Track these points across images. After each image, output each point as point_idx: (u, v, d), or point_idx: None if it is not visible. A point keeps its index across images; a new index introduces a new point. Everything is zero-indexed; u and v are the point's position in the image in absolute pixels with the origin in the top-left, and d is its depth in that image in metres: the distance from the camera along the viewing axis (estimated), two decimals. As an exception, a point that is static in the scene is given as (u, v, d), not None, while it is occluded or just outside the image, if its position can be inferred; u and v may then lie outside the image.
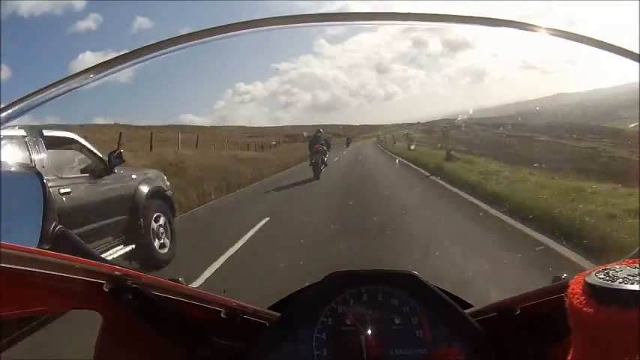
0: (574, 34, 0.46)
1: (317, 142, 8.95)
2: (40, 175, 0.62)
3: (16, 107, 0.45)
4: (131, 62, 0.47)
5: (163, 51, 0.46)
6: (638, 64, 0.44)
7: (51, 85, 0.46)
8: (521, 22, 0.47)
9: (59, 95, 0.47)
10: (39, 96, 0.46)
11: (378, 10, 0.49)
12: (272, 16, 0.48)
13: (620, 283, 0.26)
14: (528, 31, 0.47)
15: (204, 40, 0.46)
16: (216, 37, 0.46)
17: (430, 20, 0.50)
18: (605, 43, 0.45)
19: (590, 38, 0.45)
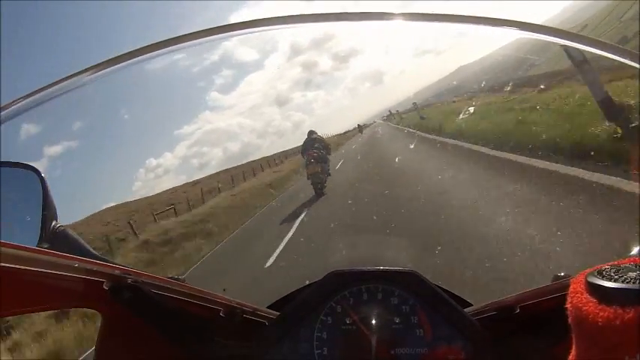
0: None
1: (311, 149, 7.22)
2: (40, 175, 0.62)
3: (16, 106, 0.45)
4: (140, 58, 0.46)
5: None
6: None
7: (50, 84, 0.46)
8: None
9: (60, 94, 0.47)
10: (39, 94, 0.46)
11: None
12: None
13: (620, 282, 0.26)
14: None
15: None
16: (206, 39, 0.45)
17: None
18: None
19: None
